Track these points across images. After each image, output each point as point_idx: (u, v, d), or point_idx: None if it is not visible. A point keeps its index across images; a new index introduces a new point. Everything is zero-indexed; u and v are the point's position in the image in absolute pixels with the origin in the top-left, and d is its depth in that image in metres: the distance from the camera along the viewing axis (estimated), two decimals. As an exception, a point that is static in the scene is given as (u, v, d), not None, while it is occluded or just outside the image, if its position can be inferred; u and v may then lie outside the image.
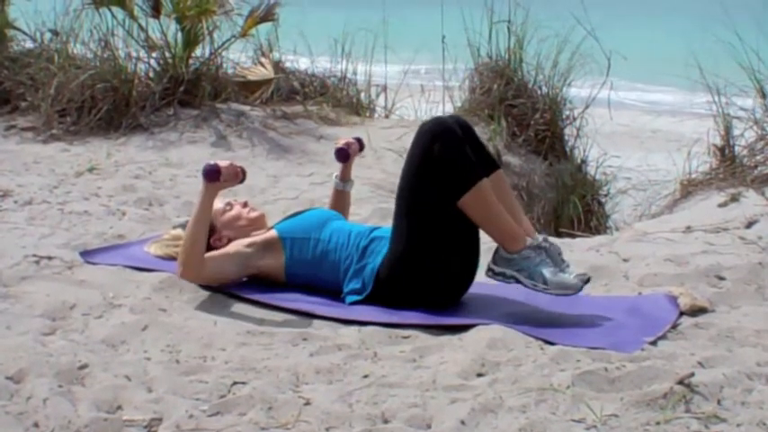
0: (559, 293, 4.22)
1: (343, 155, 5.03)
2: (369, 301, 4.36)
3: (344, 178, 5.11)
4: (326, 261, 4.47)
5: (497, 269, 4.33)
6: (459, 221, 4.28)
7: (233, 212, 4.71)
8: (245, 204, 4.76)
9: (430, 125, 4.32)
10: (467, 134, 4.37)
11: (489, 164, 4.41)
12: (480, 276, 4.66)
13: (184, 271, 4.42)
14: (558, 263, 4.29)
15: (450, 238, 4.31)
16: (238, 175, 4.49)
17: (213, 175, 4.38)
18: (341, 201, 5.12)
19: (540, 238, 4.34)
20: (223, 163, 4.44)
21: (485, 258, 4.41)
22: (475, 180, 4.22)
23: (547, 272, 4.23)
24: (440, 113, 8.41)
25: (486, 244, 4.41)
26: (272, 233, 4.56)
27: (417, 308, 4.31)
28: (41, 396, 3.30)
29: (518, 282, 4.29)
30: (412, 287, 4.33)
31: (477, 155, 4.34)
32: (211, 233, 4.67)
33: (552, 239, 4.41)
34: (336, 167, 5.12)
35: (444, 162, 4.21)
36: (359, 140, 5.17)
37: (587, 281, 4.28)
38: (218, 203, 4.70)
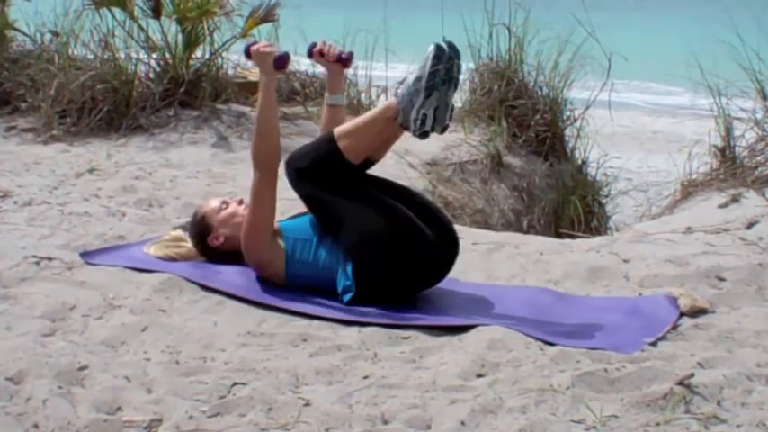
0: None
1: (280, 61, 4.56)
2: (362, 295, 4.37)
3: (334, 90, 4.94)
4: (324, 262, 4.47)
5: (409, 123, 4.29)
6: (366, 192, 4.39)
7: (229, 210, 4.72)
8: (240, 202, 4.77)
9: (286, 173, 4.45)
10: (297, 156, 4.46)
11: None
12: (481, 278, 4.67)
13: (259, 161, 4.47)
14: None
15: (378, 212, 4.36)
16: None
17: (286, 62, 4.51)
18: (334, 118, 4.88)
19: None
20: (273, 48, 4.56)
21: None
22: (332, 147, 4.33)
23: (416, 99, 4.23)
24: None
25: (486, 244, 4.41)
26: (277, 227, 4.56)
27: (408, 288, 4.40)
28: (41, 397, 3.30)
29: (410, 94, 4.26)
30: (383, 267, 4.37)
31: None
32: (208, 232, 4.70)
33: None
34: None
35: (316, 173, 4.36)
36: (350, 53, 4.94)
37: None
38: (214, 203, 4.74)
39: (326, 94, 4.98)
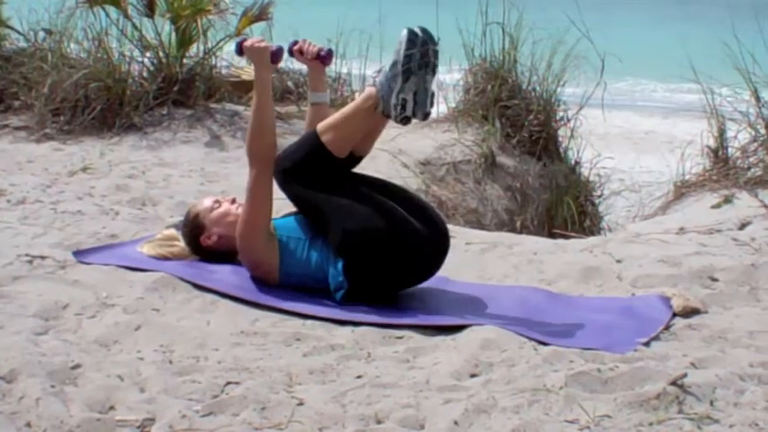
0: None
1: (276, 55, 4.63)
2: (354, 292, 4.37)
3: (316, 88, 4.91)
4: (316, 260, 4.47)
5: (389, 109, 4.30)
6: (354, 189, 4.41)
7: (222, 209, 4.73)
8: (233, 201, 4.77)
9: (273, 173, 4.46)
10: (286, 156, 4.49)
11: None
12: (474, 278, 4.67)
13: (255, 156, 4.49)
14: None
15: (362, 206, 4.37)
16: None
17: (281, 56, 4.60)
18: (318, 115, 4.78)
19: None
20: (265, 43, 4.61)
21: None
22: (316, 142, 4.36)
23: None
24: (434, 115, 8.40)
25: (479, 244, 4.41)
26: (270, 225, 4.56)
27: (399, 283, 4.42)
28: (34, 396, 3.30)
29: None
30: (374, 263, 4.38)
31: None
32: (201, 231, 4.70)
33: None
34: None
35: (303, 172, 4.38)
36: (329, 50, 4.89)
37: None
38: (207, 201, 4.75)
39: (309, 93, 4.98)
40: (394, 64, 4.21)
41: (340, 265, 4.38)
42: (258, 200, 4.46)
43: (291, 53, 4.85)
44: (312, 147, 4.37)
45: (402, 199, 4.49)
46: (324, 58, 4.85)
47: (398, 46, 4.21)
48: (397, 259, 4.37)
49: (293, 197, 4.46)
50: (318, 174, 4.37)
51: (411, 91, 4.19)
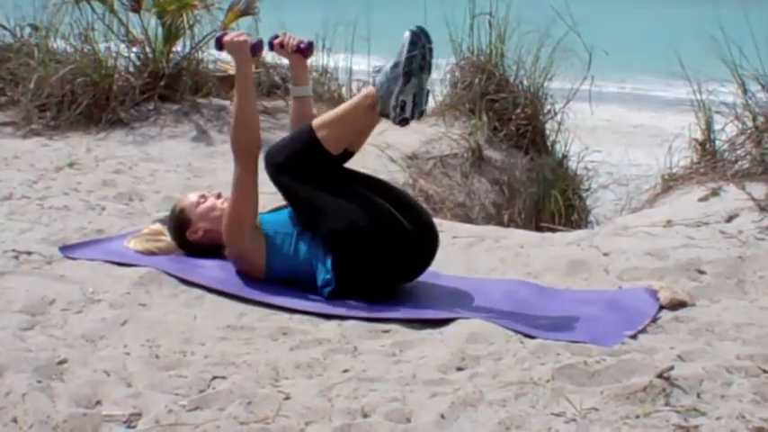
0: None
1: (256, 48, 4.63)
2: (342, 289, 4.37)
3: (298, 82, 4.90)
4: (303, 255, 4.47)
5: (388, 111, 4.29)
6: (345, 185, 4.40)
7: (207, 204, 4.72)
8: (218, 196, 4.77)
9: (265, 168, 4.45)
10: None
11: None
12: (461, 271, 4.67)
13: (240, 150, 4.49)
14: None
15: (355, 202, 4.36)
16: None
17: (261, 48, 4.60)
18: (301, 110, 4.86)
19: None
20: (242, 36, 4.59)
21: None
22: (311, 138, 4.34)
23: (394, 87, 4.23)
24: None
25: (468, 237, 4.41)
26: (257, 220, 4.56)
27: (388, 281, 4.41)
28: (20, 391, 3.28)
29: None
30: (363, 260, 4.37)
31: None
32: (186, 226, 4.70)
33: None
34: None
35: (295, 166, 4.36)
36: (309, 43, 4.88)
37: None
38: (192, 197, 4.75)
39: (291, 87, 4.98)
40: (395, 65, 4.19)
41: (329, 261, 4.37)
42: (244, 194, 4.45)
43: (272, 47, 4.84)
44: (307, 142, 4.36)
45: (394, 197, 4.49)
46: (304, 50, 4.84)
47: (401, 48, 4.19)
48: (387, 258, 4.37)
49: (285, 191, 4.45)
50: (311, 169, 4.36)
51: (410, 93, 4.18)
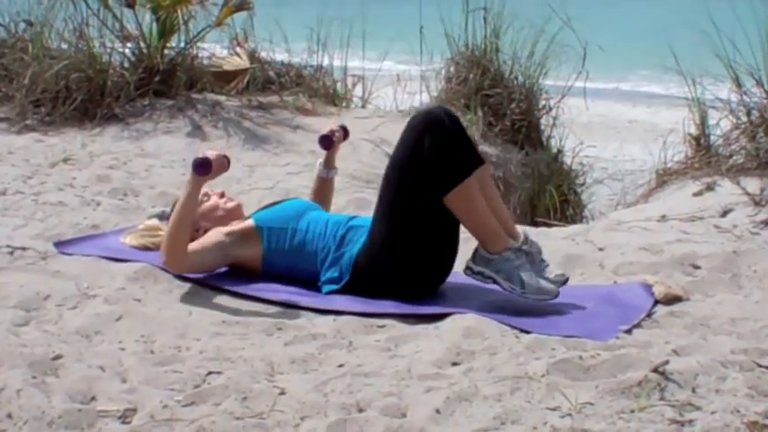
0: (536, 298, 4.21)
1: (327, 142, 5.02)
2: (345, 290, 4.36)
3: (329, 165, 5.10)
4: (304, 251, 4.46)
5: (476, 268, 4.32)
6: (442, 215, 4.28)
7: (210, 203, 4.70)
8: (221, 195, 4.75)
9: (421, 118, 4.31)
10: (455, 127, 4.33)
11: (476, 159, 4.36)
12: (457, 265, 4.66)
13: (168, 260, 4.39)
14: (538, 263, 4.30)
15: (431, 230, 4.31)
16: (224, 166, 4.45)
17: (205, 168, 4.32)
18: (324, 188, 5.13)
19: (521, 238, 4.32)
20: (211, 154, 4.40)
21: (463, 253, 4.41)
22: (462, 177, 4.22)
23: (525, 275, 4.22)
24: (417, 104, 8.42)
25: (464, 233, 4.41)
26: (250, 222, 4.54)
27: (393, 297, 4.30)
28: (15, 387, 3.28)
29: (495, 282, 4.28)
30: (390, 276, 4.33)
31: (465, 149, 4.31)
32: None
33: (532, 237, 4.40)
34: (323, 155, 5.11)
35: (434, 157, 4.21)
36: (344, 128, 5.18)
37: (565, 282, 4.30)
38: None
39: (320, 167, 5.11)
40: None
41: (347, 259, 4.35)
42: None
43: (331, 145, 5.07)
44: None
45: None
46: (347, 136, 5.24)
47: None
48: (411, 267, 4.34)
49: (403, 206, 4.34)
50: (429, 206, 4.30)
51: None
